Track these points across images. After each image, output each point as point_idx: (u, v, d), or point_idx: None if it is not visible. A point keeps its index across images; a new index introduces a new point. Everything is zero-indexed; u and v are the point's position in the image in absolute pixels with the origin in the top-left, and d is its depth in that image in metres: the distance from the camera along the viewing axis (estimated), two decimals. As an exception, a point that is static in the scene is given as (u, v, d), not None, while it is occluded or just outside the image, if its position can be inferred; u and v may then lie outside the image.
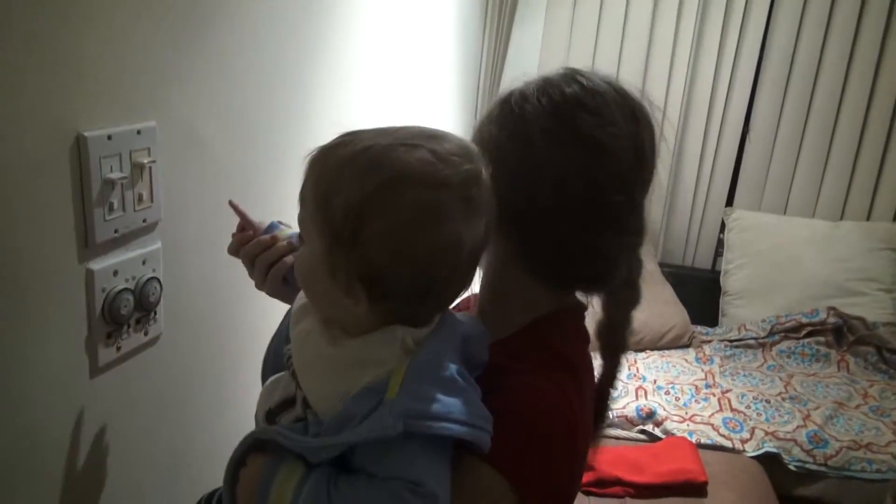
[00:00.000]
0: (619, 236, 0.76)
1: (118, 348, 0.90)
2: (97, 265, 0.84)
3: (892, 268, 2.54)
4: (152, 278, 0.92)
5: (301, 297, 0.74)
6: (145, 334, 0.94)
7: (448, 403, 0.63)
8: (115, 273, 0.87)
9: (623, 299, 0.80)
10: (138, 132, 0.87)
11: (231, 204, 0.89)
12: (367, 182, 0.63)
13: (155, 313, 0.95)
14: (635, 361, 2.32)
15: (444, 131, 0.69)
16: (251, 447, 0.68)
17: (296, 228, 0.84)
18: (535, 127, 0.73)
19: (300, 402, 0.70)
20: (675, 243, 2.83)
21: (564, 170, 0.72)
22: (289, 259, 0.87)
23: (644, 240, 0.80)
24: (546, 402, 0.69)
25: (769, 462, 1.89)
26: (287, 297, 0.88)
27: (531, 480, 0.67)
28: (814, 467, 1.88)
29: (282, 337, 0.82)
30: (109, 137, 0.82)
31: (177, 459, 1.07)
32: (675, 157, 2.73)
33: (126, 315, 0.89)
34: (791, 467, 1.89)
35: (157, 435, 1.01)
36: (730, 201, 2.80)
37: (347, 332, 0.68)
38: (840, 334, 2.42)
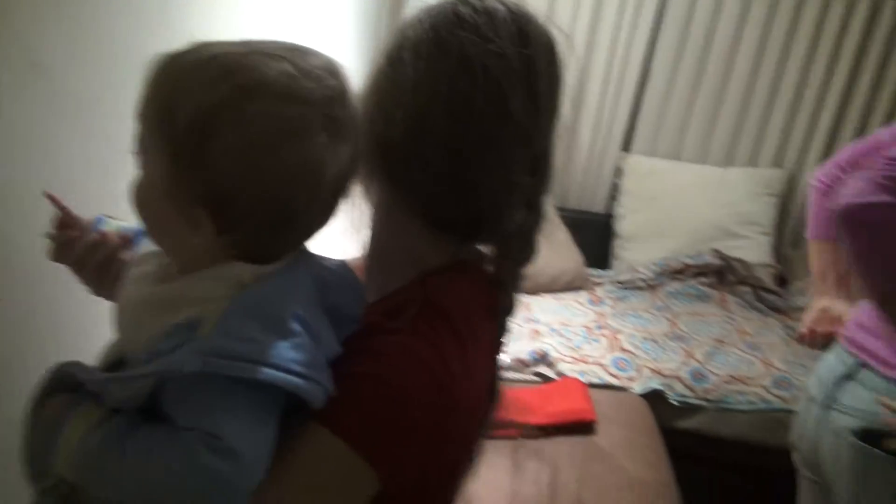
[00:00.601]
0: (502, 172, 0.67)
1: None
2: None
3: (773, 212, 2.68)
4: None
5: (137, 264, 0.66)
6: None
7: (267, 345, 0.55)
8: None
9: (513, 253, 0.72)
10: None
11: (48, 196, 0.75)
12: (217, 90, 0.55)
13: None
14: (530, 304, 2.35)
15: (310, 47, 0.61)
16: (54, 387, 0.60)
17: (127, 222, 0.75)
18: (409, 45, 0.66)
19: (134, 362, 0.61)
20: (571, 187, 2.86)
21: (431, 88, 0.65)
22: (125, 256, 0.75)
23: (547, 187, 0.73)
24: (415, 364, 0.61)
25: (654, 398, 1.98)
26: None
27: (391, 453, 0.60)
28: (694, 401, 1.99)
29: None
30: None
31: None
32: (575, 101, 2.73)
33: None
34: (674, 402, 1.98)
35: None
36: (626, 147, 2.85)
37: (184, 271, 0.60)
38: (722, 275, 2.54)
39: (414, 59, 0.66)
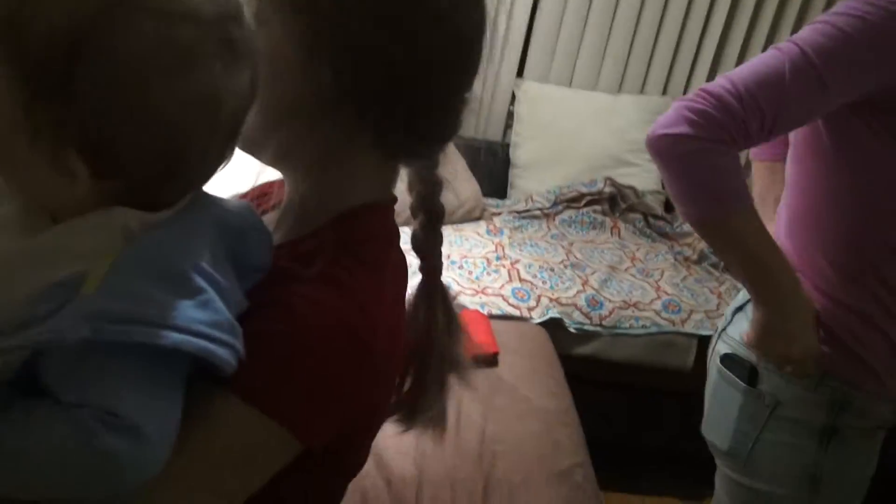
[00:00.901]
0: (463, 87, 0.66)
1: None
2: None
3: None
4: None
5: None
6: None
7: (166, 304, 0.48)
8: None
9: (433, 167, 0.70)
10: None
11: None
12: (86, 1, 0.45)
13: None
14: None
15: None
16: None
17: None
18: None
19: None
20: (468, 115, 2.79)
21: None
22: None
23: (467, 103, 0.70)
24: (327, 316, 0.55)
25: (553, 326, 2.00)
26: None
27: (311, 416, 0.56)
28: (590, 328, 2.03)
29: None
30: None
31: None
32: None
33: None
34: (571, 330, 2.02)
35: None
36: (520, 73, 2.79)
37: (56, 218, 0.51)
38: (614, 203, 2.59)
39: None
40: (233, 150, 0.55)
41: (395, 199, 0.69)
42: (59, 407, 0.46)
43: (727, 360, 1.08)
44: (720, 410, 1.10)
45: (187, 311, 0.48)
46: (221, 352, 0.49)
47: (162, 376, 0.49)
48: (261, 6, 0.58)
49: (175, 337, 0.47)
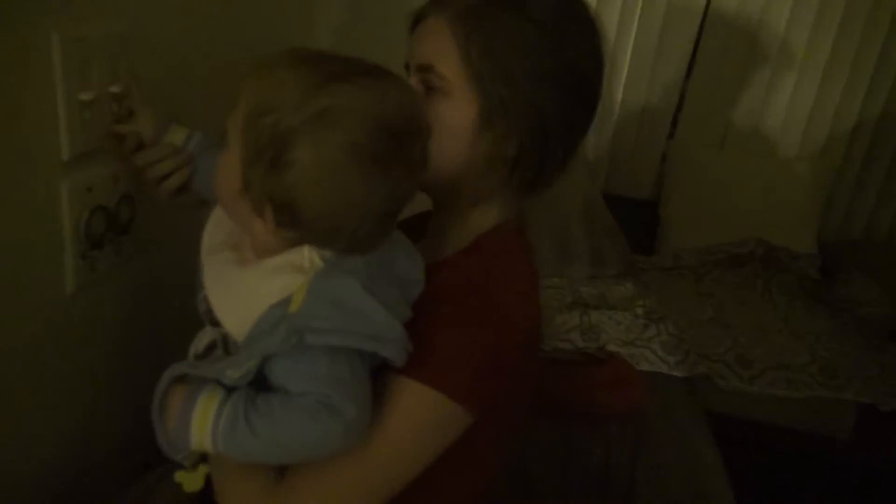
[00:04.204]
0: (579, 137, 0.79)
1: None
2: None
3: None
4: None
5: (210, 231, 0.73)
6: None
7: (350, 316, 0.63)
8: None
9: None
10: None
11: (127, 80, 0.82)
12: (302, 110, 0.59)
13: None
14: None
15: (397, 74, 0.66)
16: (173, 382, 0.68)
17: (186, 128, 0.83)
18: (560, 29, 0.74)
19: (220, 342, 0.70)
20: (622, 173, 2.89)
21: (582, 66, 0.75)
22: (185, 171, 0.84)
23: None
24: (488, 312, 0.70)
25: (700, 382, 2.02)
26: (187, 204, 0.87)
27: (480, 394, 0.69)
28: (739, 385, 2.03)
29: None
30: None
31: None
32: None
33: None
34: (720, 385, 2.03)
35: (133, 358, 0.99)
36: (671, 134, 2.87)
37: (257, 253, 0.67)
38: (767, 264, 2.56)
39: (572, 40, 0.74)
40: (388, 234, 0.68)
41: (523, 217, 0.82)
42: (289, 396, 0.63)
43: None
44: None
45: (365, 319, 0.63)
46: (391, 350, 0.64)
47: (355, 368, 0.64)
48: (444, 81, 0.72)
49: (352, 339, 0.62)
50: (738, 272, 2.54)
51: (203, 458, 0.72)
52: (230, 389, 0.64)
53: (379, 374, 0.67)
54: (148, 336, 1.02)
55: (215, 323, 0.69)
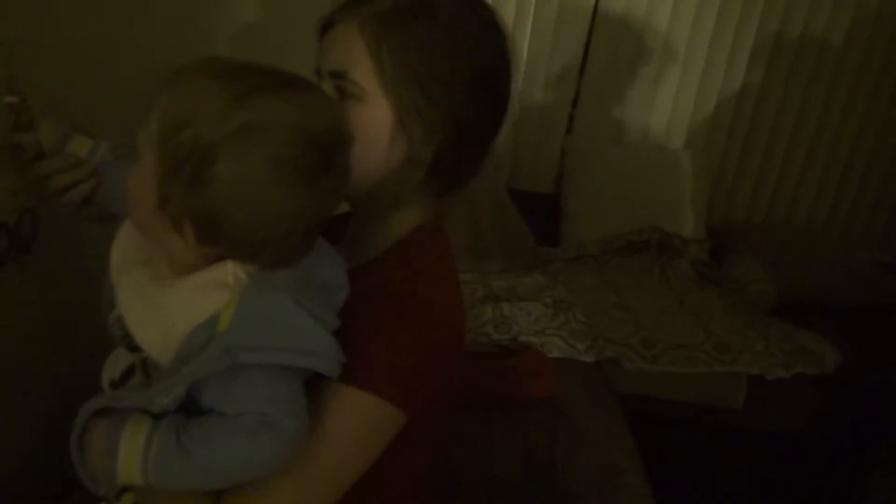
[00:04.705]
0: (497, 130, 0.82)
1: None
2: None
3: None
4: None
5: (120, 247, 0.70)
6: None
7: (282, 332, 0.62)
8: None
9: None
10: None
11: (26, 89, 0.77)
12: (225, 124, 0.58)
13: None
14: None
15: (317, 84, 0.67)
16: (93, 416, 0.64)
17: (91, 139, 0.79)
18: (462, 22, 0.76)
19: (139, 366, 0.68)
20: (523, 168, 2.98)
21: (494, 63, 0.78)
22: (90, 183, 0.80)
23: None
24: (413, 314, 0.72)
25: (608, 365, 2.13)
26: (93, 217, 0.83)
27: (414, 392, 0.71)
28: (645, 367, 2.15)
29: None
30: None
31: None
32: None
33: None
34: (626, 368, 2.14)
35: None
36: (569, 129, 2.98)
37: (174, 270, 0.65)
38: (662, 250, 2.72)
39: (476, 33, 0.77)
40: (311, 247, 0.67)
41: (443, 215, 0.84)
42: (225, 418, 0.61)
43: None
44: None
45: (298, 334, 0.62)
46: (325, 364, 0.64)
47: (291, 382, 0.63)
48: (359, 88, 0.73)
49: (292, 358, 0.61)
50: (636, 259, 2.68)
51: (126, 486, 0.68)
52: (156, 416, 0.62)
53: (312, 381, 0.67)
54: (57, 356, 0.98)
55: (132, 347, 0.66)
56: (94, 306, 1.05)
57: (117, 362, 0.70)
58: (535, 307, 2.33)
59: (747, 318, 2.39)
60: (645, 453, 1.80)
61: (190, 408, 0.62)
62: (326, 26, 0.78)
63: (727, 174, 2.98)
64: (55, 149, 0.78)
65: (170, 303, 0.64)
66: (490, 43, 0.78)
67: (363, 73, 0.73)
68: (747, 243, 2.80)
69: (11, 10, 0.80)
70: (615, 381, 2.11)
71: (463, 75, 0.74)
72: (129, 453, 0.60)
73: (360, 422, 0.69)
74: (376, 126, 0.74)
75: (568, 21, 2.78)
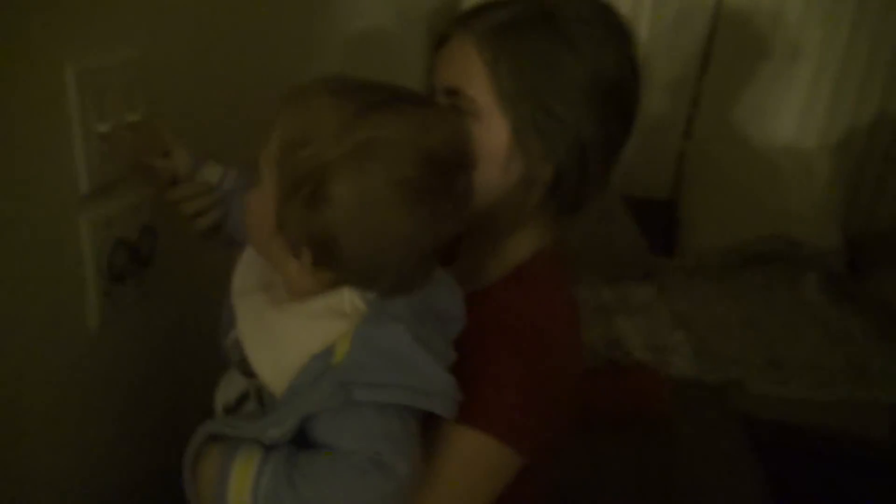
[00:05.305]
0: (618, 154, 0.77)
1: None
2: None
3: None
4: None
5: (242, 272, 0.68)
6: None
7: (400, 368, 0.58)
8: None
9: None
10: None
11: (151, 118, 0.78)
12: (342, 143, 0.55)
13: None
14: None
15: (439, 103, 0.63)
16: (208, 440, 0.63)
17: (221, 166, 0.79)
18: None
19: (253, 393, 0.66)
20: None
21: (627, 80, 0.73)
22: (215, 214, 0.80)
23: None
24: (530, 353, 0.67)
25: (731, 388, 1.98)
26: (219, 244, 0.82)
27: (532, 435, 0.66)
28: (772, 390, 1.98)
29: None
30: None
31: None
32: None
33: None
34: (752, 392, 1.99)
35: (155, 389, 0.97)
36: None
37: (293, 295, 0.63)
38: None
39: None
40: (431, 272, 0.64)
41: (563, 243, 0.79)
42: (336, 454, 0.58)
43: None
44: None
45: (415, 372, 0.59)
46: (442, 405, 0.60)
47: (407, 421, 0.59)
48: (474, 105, 0.69)
49: (404, 396, 0.58)
50: (762, 271, 2.50)
51: None
52: (268, 447, 0.60)
53: (428, 419, 0.63)
54: (172, 372, 1.00)
55: (248, 372, 0.65)
56: (209, 325, 1.08)
57: (232, 387, 0.69)
58: (649, 321, 2.22)
59: (893, 338, 2.17)
60: (772, 484, 1.66)
61: (302, 438, 0.61)
62: (441, 40, 0.74)
63: (868, 178, 2.72)
64: (188, 175, 0.79)
65: (285, 328, 0.62)
66: (616, 51, 0.71)
67: (479, 89, 0.69)
68: (892, 255, 2.54)
69: (134, 29, 0.81)
70: (740, 403, 1.95)
71: (585, 88, 0.69)
72: (240, 483, 0.59)
73: (475, 465, 0.65)
74: (493, 144, 0.69)
75: (687, 17, 2.63)
